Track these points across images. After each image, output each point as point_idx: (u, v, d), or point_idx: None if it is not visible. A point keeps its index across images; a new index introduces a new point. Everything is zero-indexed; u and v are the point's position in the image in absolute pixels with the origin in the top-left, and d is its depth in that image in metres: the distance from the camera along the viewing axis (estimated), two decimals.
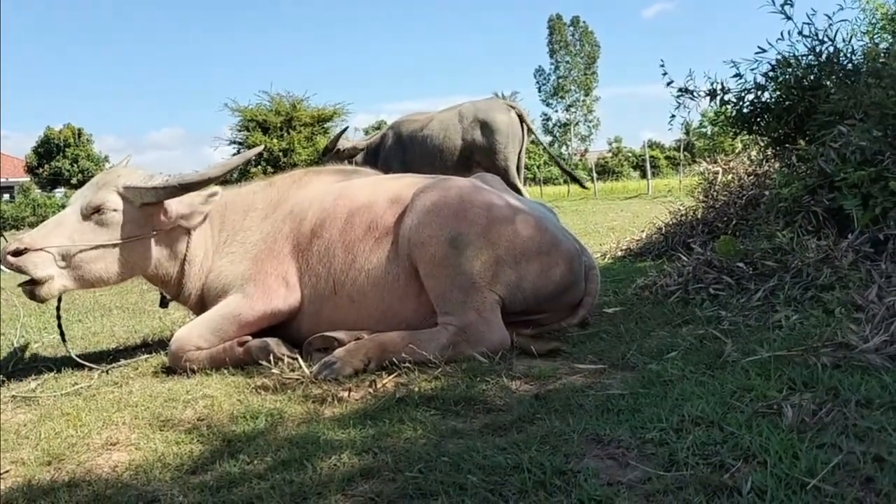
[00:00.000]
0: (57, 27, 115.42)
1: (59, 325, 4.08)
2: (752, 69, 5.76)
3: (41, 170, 48.33)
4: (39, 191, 45.94)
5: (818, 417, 2.21)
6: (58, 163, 48.13)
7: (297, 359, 3.56)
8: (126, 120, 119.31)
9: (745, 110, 5.94)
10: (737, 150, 8.03)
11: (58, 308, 4.12)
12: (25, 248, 3.57)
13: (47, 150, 49.03)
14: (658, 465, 2.06)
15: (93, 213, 3.74)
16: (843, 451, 1.97)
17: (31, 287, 3.63)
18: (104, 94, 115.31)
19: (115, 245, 3.75)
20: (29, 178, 48.94)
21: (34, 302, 3.78)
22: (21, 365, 4.16)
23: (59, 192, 45.47)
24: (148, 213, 3.82)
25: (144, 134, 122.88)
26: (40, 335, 5.09)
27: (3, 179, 50.06)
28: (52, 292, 3.68)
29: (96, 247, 3.72)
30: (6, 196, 46.45)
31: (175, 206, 3.88)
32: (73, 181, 45.36)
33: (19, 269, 3.57)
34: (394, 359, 3.38)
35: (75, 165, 48.10)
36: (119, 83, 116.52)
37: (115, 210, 3.76)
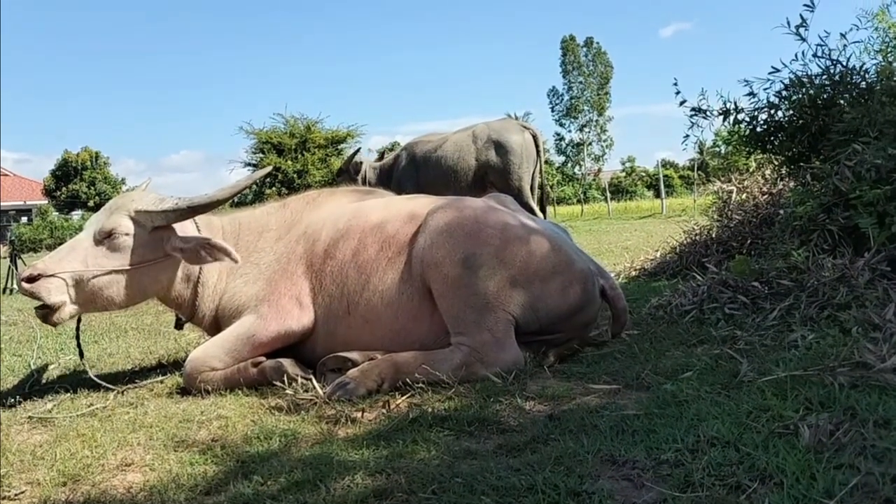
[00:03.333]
0: (78, 52, 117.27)
1: (79, 345, 4.12)
2: (766, 88, 5.77)
3: (59, 193, 48.90)
4: (57, 213, 46.40)
5: (835, 438, 2.19)
6: (75, 186, 48.69)
7: (310, 379, 3.57)
8: (145, 143, 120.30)
9: (758, 129, 5.93)
10: (751, 169, 8.01)
11: (77, 328, 4.15)
12: (39, 275, 3.61)
13: (65, 173, 49.64)
14: (674, 487, 2.04)
15: (105, 237, 3.77)
16: (861, 472, 1.95)
17: (45, 311, 3.66)
18: (124, 117, 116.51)
19: (127, 270, 3.78)
20: (47, 201, 49.50)
21: (48, 326, 3.81)
22: (38, 386, 4.19)
23: (77, 214, 45.90)
24: (160, 237, 3.84)
25: (163, 157, 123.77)
26: (56, 356, 5.13)
27: (21, 202, 50.69)
28: (64, 317, 3.70)
29: (109, 272, 3.75)
30: (24, 219, 47.00)
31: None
32: (91, 204, 45.86)
33: (33, 296, 3.60)
34: (407, 379, 3.38)
35: (92, 188, 48.64)
36: (138, 107, 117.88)
37: (127, 234, 3.78)
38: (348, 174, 10.84)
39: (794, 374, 2.80)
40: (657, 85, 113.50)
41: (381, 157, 11.29)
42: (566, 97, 69.41)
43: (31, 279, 3.60)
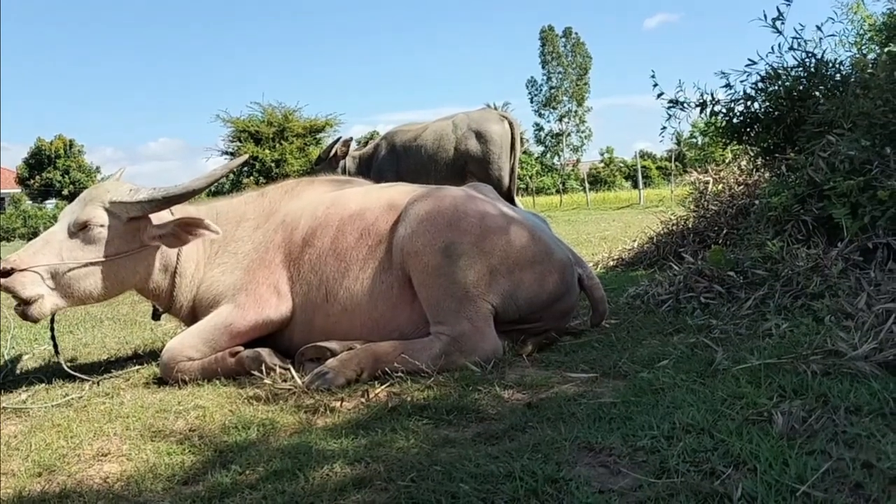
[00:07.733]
0: (55, 39, 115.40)
1: (53, 338, 4.05)
2: (742, 81, 5.83)
3: (32, 181, 48.22)
4: (30, 202, 45.77)
5: (808, 424, 2.23)
6: (49, 174, 48.05)
7: (289, 369, 3.56)
8: (123, 131, 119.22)
9: (735, 121, 5.99)
10: (727, 160, 8.09)
11: (51, 321, 4.09)
12: (13, 269, 3.55)
13: (38, 161, 48.98)
14: (649, 473, 2.06)
15: (80, 229, 3.71)
16: (833, 458, 1.98)
17: (23, 308, 3.61)
18: (102, 105, 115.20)
19: (103, 262, 3.74)
20: (20, 190, 48.78)
21: (28, 322, 3.76)
22: (12, 376, 4.14)
23: (51, 203, 45.33)
24: (135, 228, 3.79)
25: (142, 145, 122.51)
26: (31, 346, 5.07)
27: None
28: (44, 312, 3.65)
29: (85, 264, 3.70)
30: None
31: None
32: (65, 192, 45.32)
33: (7, 291, 3.55)
34: (386, 368, 3.38)
35: (66, 177, 48.04)
36: (116, 94, 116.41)
37: (101, 226, 3.73)
38: (327, 164, 10.79)
39: (767, 363, 2.84)
40: (638, 76, 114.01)
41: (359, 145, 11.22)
42: (545, 87, 69.49)
43: (5, 273, 3.53)
